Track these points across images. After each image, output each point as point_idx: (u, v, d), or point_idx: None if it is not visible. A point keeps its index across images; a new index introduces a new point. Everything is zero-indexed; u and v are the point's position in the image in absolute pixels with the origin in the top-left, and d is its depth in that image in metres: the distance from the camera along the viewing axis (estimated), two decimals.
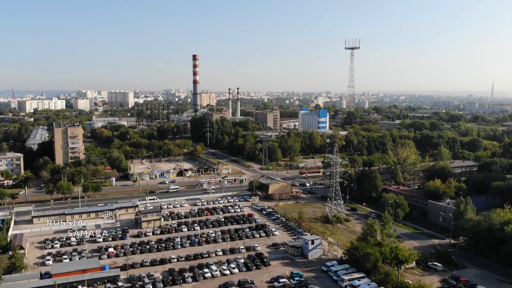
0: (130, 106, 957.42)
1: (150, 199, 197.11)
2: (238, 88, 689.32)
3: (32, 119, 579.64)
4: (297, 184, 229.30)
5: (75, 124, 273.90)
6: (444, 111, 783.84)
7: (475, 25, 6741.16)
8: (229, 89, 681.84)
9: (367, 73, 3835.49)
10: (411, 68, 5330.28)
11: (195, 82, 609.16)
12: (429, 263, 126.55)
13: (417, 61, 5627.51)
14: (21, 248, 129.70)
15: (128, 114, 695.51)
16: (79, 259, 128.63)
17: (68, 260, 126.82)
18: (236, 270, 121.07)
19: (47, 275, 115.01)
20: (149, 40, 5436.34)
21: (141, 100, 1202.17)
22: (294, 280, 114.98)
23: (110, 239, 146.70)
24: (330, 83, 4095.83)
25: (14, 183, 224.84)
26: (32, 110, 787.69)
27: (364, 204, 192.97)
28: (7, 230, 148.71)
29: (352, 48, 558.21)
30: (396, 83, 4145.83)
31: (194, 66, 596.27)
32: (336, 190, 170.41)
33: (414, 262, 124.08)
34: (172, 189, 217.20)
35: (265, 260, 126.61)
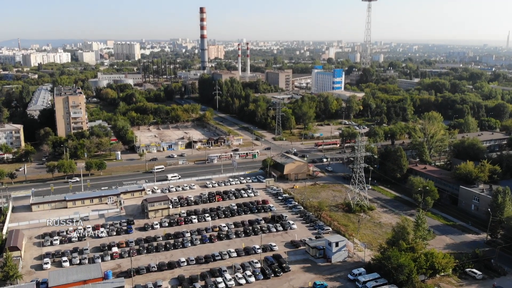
0: (136, 59, 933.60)
1: (157, 168, 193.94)
2: (247, 44, 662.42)
3: (36, 76, 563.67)
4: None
5: (77, 92, 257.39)
6: (461, 65, 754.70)
7: None
8: (238, 44, 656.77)
9: (378, 22, 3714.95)
10: (423, 15, 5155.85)
11: (202, 36, 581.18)
12: (467, 270, 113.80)
13: (430, 7, 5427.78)
14: (17, 249, 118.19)
15: (135, 69, 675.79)
16: (80, 261, 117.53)
17: (67, 264, 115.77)
18: (252, 279, 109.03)
19: (44, 284, 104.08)
20: None
21: (147, 52, 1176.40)
22: None
23: (114, 233, 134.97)
24: (342, 32, 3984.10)
25: (14, 157, 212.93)
26: (37, 64, 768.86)
27: (375, 181, 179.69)
28: (3, 222, 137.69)
29: (370, 0, 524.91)
30: (407, 32, 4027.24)
31: (202, 19, 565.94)
32: (360, 176, 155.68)
33: (451, 269, 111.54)
34: (157, 169, 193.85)
35: (283, 265, 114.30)
